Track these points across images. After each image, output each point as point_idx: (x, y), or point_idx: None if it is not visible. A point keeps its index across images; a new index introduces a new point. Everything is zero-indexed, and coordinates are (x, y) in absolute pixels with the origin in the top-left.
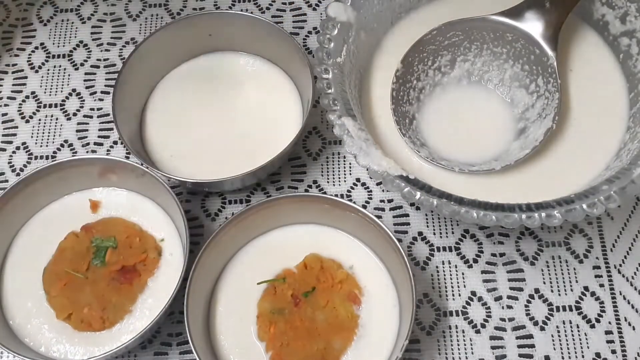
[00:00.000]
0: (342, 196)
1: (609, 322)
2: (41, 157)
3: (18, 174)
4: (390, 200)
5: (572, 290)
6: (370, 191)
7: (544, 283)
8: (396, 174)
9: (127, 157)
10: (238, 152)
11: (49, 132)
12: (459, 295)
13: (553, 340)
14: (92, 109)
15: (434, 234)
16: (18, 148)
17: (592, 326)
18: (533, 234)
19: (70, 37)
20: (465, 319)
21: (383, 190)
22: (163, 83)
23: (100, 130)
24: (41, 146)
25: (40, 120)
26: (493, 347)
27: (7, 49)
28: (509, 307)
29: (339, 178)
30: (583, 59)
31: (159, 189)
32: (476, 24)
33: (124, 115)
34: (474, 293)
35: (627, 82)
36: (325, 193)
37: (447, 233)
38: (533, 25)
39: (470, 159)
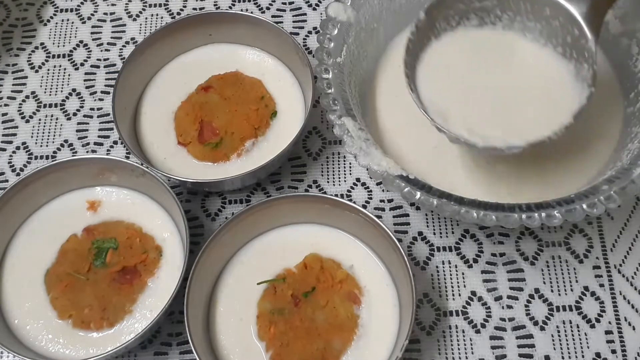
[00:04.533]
0: (342, 196)
1: (609, 322)
2: (41, 157)
3: (18, 174)
4: (390, 200)
5: (572, 290)
6: (370, 191)
7: (544, 283)
8: (396, 173)
9: (127, 157)
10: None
11: (49, 132)
12: (459, 295)
13: (553, 340)
14: (92, 109)
15: (434, 234)
16: (18, 148)
17: (592, 326)
18: (533, 234)
19: (70, 37)
20: (465, 319)
21: (383, 190)
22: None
23: (100, 130)
24: (41, 146)
25: (40, 120)
26: (493, 347)
27: (7, 49)
28: (509, 307)
29: (339, 178)
30: None
31: (159, 189)
32: None
33: (124, 115)
34: (474, 293)
35: (621, 83)
36: (325, 193)
37: (447, 233)
38: (578, 4)
39: (490, 129)
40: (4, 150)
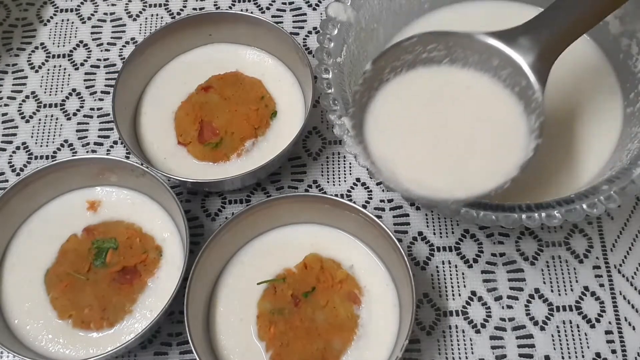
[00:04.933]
0: (342, 196)
1: (609, 322)
2: (41, 157)
3: (18, 174)
4: (390, 200)
5: (572, 290)
6: (370, 191)
7: (544, 283)
8: None
9: (127, 157)
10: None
11: (49, 132)
12: (459, 295)
13: (553, 340)
14: (92, 109)
15: (434, 234)
16: (18, 148)
17: (592, 326)
18: (533, 234)
19: (70, 37)
20: (465, 319)
21: (383, 190)
22: (156, 80)
23: (100, 130)
24: (41, 146)
25: (40, 120)
26: (493, 347)
27: (7, 49)
28: (509, 307)
29: (339, 178)
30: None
31: (159, 189)
32: (461, 40)
33: (124, 115)
34: (474, 293)
35: (620, 81)
36: (325, 193)
37: (447, 233)
38: (525, 54)
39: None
40: (4, 150)
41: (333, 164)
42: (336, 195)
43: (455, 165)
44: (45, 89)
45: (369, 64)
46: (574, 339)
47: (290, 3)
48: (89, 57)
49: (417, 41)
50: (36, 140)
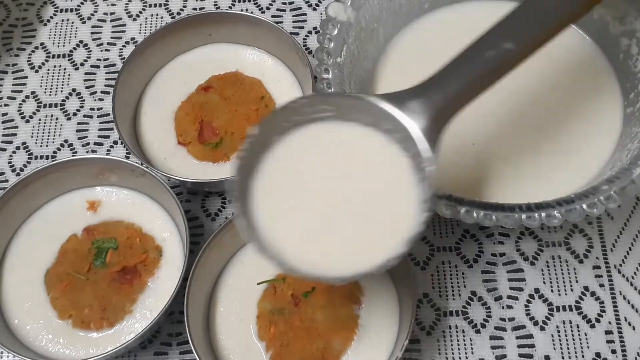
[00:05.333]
0: None
1: (609, 322)
2: (41, 157)
3: (18, 174)
4: None
5: (572, 290)
6: None
7: (544, 283)
8: None
9: (127, 157)
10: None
11: (49, 132)
12: (459, 295)
13: (553, 340)
14: (92, 109)
15: (434, 234)
16: (18, 148)
17: (592, 326)
18: (533, 234)
19: (70, 37)
20: (465, 319)
21: None
22: (156, 80)
23: (100, 130)
24: (41, 146)
25: (40, 120)
26: (493, 347)
27: (7, 49)
28: (509, 307)
29: None
30: (576, 61)
31: (159, 189)
32: (350, 102)
33: (124, 115)
34: (474, 293)
35: (620, 81)
36: None
37: (447, 233)
38: (416, 119)
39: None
40: (4, 150)
41: None
42: None
43: (342, 239)
44: (45, 89)
45: (255, 128)
46: (574, 339)
47: (290, 3)
48: (89, 57)
49: (306, 102)
50: (36, 140)
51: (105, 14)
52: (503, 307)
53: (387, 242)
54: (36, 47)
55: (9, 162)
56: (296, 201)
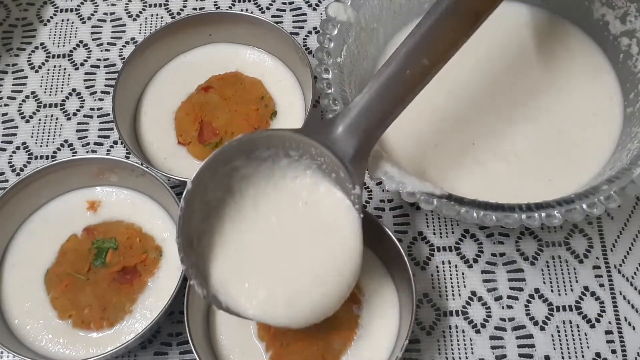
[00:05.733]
0: None
1: (609, 322)
2: (41, 157)
3: (18, 174)
4: (390, 200)
5: (572, 290)
6: (371, 191)
7: (544, 283)
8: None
9: (127, 157)
10: None
11: (49, 132)
12: (459, 295)
13: (553, 340)
14: (92, 109)
15: (434, 234)
16: (18, 148)
17: (592, 326)
18: (533, 234)
19: (70, 37)
20: (465, 319)
21: (383, 190)
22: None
23: (100, 130)
24: (41, 146)
25: (40, 120)
26: (493, 347)
27: (7, 49)
28: (509, 307)
29: None
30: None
31: (159, 189)
32: (279, 140)
33: (124, 115)
34: (474, 293)
35: (620, 81)
36: None
37: (447, 233)
38: (344, 152)
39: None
40: (4, 150)
41: None
42: None
43: (290, 285)
44: (45, 89)
45: (189, 182)
46: (573, 339)
47: (290, 3)
48: (89, 57)
49: (235, 145)
50: (36, 140)
51: (105, 14)
52: (503, 307)
53: (337, 288)
54: (36, 47)
55: (9, 162)
56: (238, 249)
